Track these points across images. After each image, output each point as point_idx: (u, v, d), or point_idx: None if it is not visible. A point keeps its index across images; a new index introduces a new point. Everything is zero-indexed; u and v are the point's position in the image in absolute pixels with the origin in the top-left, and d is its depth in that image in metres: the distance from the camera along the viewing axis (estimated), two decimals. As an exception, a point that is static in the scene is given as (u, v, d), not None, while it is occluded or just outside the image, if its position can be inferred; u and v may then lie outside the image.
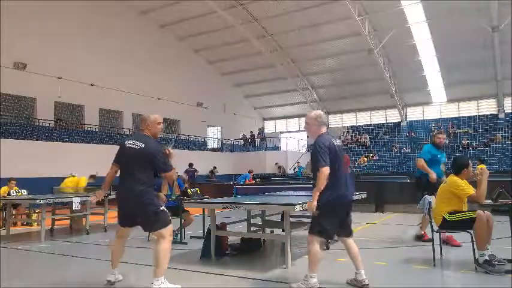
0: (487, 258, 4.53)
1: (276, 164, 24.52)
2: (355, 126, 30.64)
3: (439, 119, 27.48)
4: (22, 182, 10.82)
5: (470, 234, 4.66)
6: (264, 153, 26.26)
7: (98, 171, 9.80)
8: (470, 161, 5.09)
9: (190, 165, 19.50)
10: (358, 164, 24.81)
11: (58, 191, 10.15)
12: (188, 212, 7.11)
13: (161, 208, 4.11)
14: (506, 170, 17.35)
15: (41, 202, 7.62)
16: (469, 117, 26.29)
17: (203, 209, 7.12)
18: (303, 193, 7.28)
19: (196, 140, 25.37)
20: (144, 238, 7.49)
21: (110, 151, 4.98)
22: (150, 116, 4.32)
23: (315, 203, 3.86)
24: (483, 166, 14.00)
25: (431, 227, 5.00)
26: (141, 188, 4.02)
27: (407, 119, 28.54)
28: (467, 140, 24.39)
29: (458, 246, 5.85)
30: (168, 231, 4.08)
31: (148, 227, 4.26)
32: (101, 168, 6.85)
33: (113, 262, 4.31)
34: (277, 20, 22.49)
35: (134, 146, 4.12)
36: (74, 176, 10.60)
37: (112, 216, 7.85)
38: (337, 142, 4.11)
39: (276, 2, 20.85)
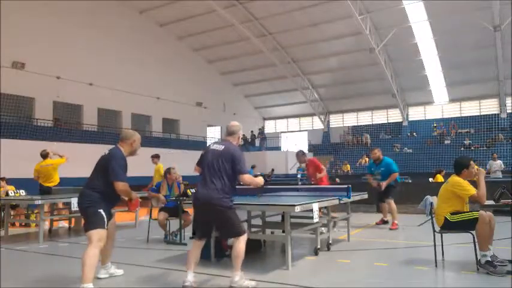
0: (489, 259, 4.50)
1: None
2: (356, 126, 30.56)
3: (440, 118, 27.40)
4: (20, 183, 10.75)
5: (472, 234, 4.62)
6: (264, 153, 26.18)
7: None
8: (472, 161, 5.01)
9: None
10: (359, 164, 24.75)
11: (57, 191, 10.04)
12: (187, 212, 7.06)
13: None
14: (508, 170, 17.23)
15: (40, 202, 7.57)
16: (471, 117, 26.21)
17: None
18: (306, 193, 7.20)
19: (196, 140, 25.28)
20: (143, 239, 7.44)
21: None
22: (136, 133, 4.55)
23: None
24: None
25: (433, 227, 4.95)
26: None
27: (409, 119, 28.46)
28: (469, 140, 24.35)
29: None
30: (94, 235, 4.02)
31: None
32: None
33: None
34: (278, 18, 22.43)
35: None
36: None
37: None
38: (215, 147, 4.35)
39: (276, 1, 20.80)
